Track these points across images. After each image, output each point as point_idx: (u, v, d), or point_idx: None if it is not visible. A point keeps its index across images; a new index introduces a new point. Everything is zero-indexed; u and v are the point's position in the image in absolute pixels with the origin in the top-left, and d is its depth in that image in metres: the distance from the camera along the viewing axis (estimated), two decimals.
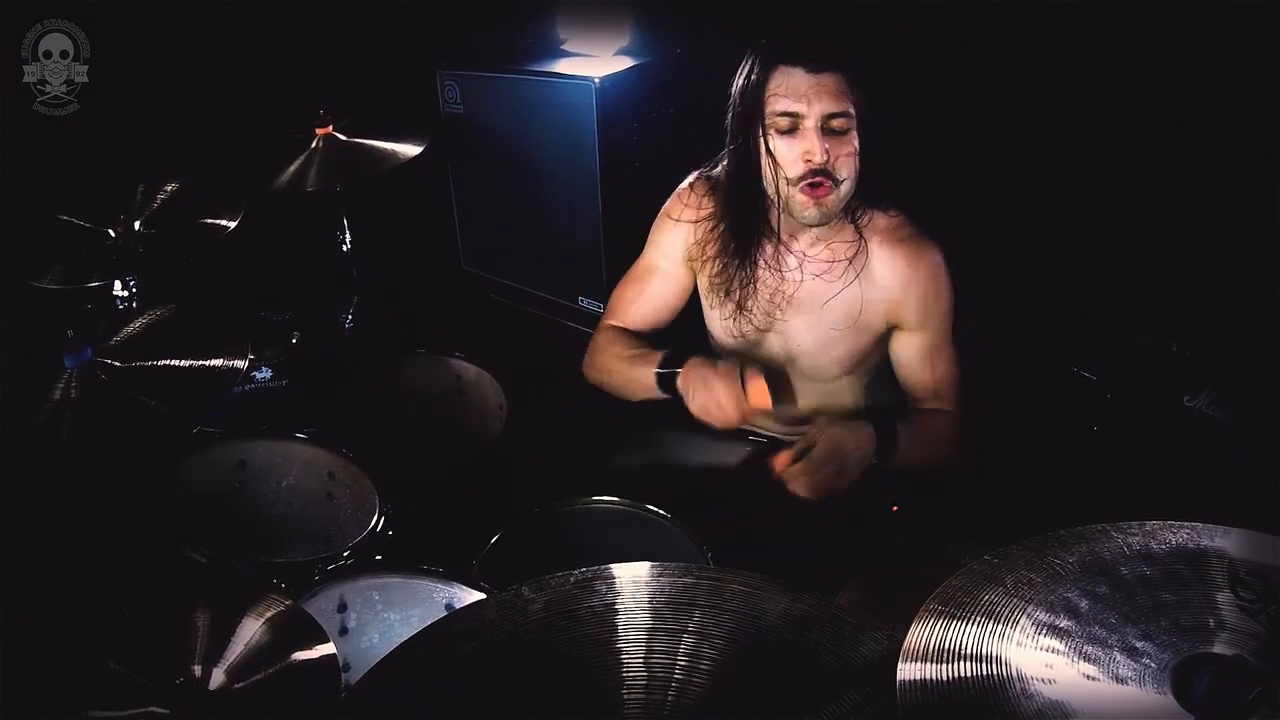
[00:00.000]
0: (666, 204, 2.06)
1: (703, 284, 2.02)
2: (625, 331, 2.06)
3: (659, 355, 1.90)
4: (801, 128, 1.70)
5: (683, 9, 2.80)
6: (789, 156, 1.72)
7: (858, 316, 1.88)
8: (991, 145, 2.42)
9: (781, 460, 1.77)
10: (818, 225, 1.80)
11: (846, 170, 1.71)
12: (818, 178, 1.71)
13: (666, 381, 1.86)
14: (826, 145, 1.68)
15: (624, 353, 1.98)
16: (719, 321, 2.01)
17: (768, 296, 1.93)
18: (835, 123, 1.68)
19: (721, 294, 1.96)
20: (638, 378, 1.92)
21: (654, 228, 2.08)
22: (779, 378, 1.83)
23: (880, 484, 1.98)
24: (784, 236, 1.89)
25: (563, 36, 2.98)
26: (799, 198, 1.74)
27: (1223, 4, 2.03)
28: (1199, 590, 0.97)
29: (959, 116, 2.41)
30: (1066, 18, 2.24)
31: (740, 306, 1.94)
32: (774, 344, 2.00)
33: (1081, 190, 2.39)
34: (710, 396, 1.76)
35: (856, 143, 1.69)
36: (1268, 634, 0.91)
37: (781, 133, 1.72)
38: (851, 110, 1.67)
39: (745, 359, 1.87)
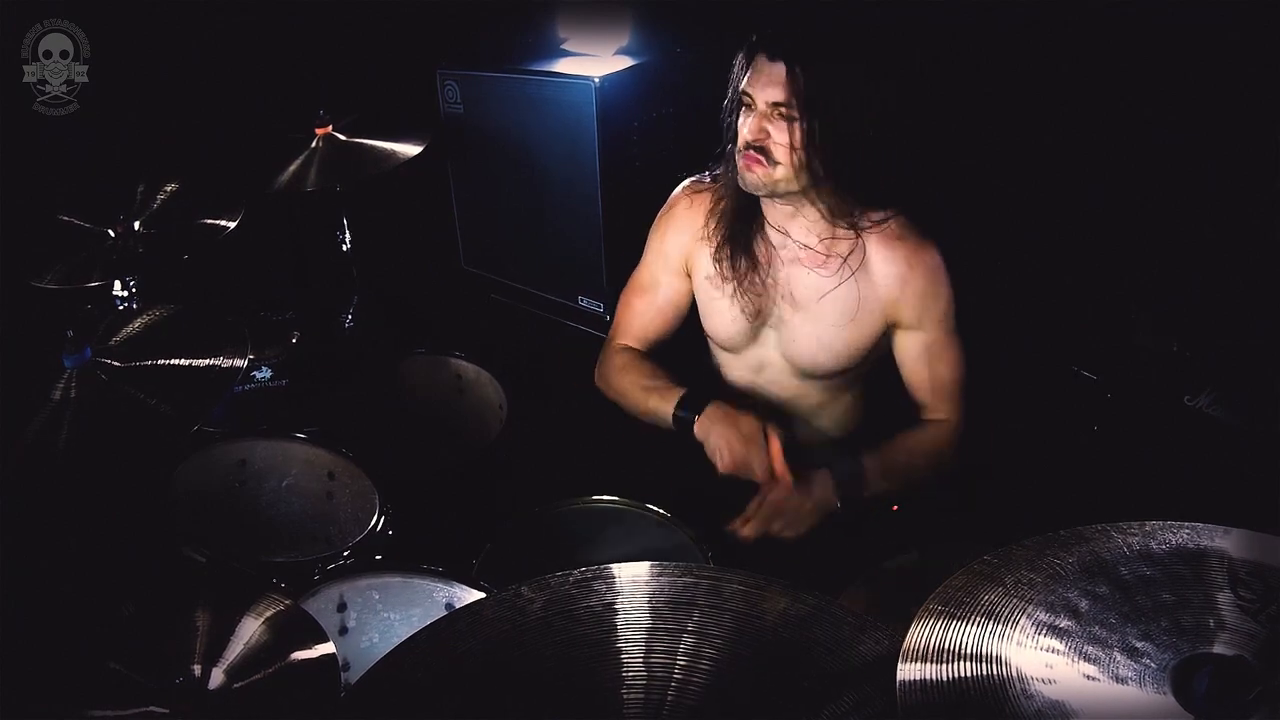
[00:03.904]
0: (664, 210, 2.09)
1: (700, 282, 2.03)
2: (639, 355, 2.08)
3: (677, 394, 1.92)
4: (754, 109, 1.79)
5: (683, 9, 2.80)
6: (742, 130, 1.82)
7: (855, 313, 1.89)
8: (992, 146, 2.42)
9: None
10: (759, 194, 1.86)
11: (781, 156, 1.78)
12: (752, 151, 1.80)
13: (683, 424, 1.89)
14: (769, 128, 1.77)
15: (642, 381, 2.00)
16: (716, 318, 2.02)
17: (763, 287, 1.95)
18: (778, 110, 1.76)
19: (719, 287, 1.98)
20: (654, 411, 1.95)
21: (653, 235, 2.09)
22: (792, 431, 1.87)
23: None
24: (776, 224, 1.94)
25: (563, 36, 2.98)
26: (740, 162, 1.83)
27: (1223, 4, 2.03)
28: (1199, 590, 0.97)
29: (959, 117, 2.41)
30: (1066, 18, 2.24)
31: (738, 296, 1.96)
32: (770, 340, 2.01)
33: (1082, 190, 2.39)
34: (742, 459, 1.80)
35: (797, 134, 1.75)
36: (1268, 634, 0.91)
37: (743, 108, 1.82)
38: (793, 101, 1.73)
39: (765, 416, 1.87)
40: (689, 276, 2.05)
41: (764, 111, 1.77)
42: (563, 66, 2.82)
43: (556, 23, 2.97)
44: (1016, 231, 2.44)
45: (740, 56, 1.82)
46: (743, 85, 1.80)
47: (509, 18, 3.01)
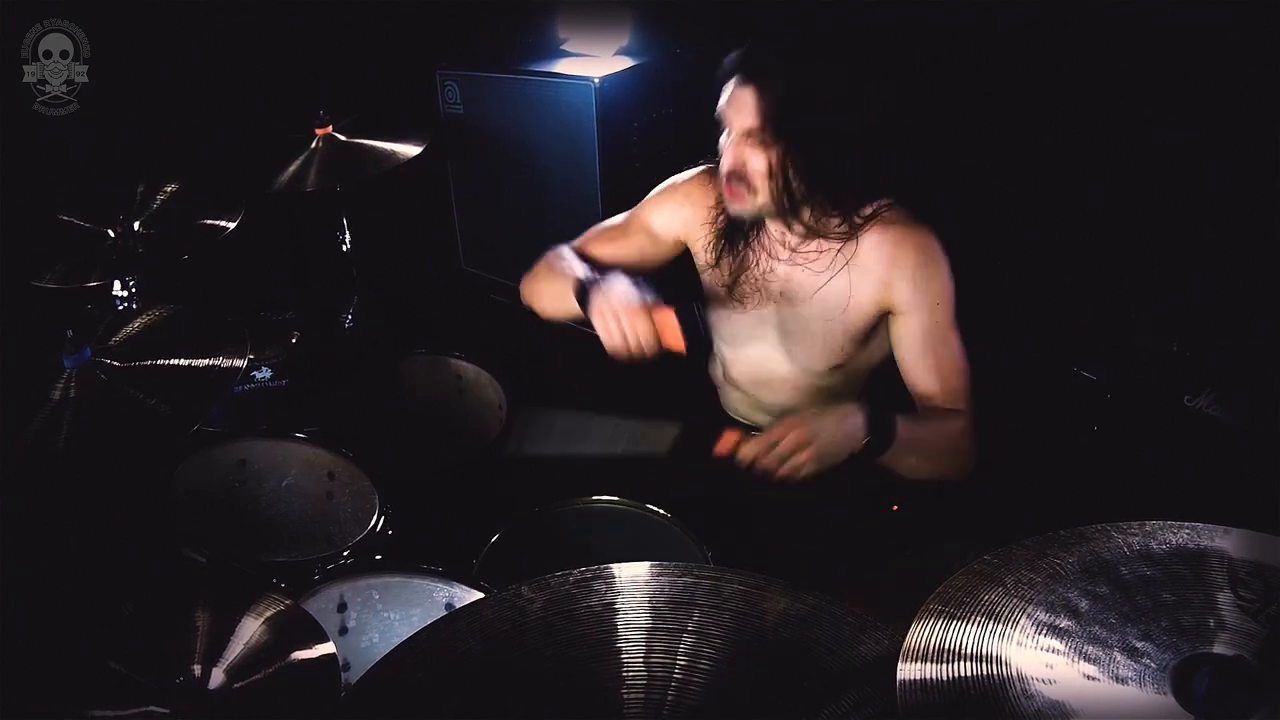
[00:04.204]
0: (678, 178, 2.06)
1: (701, 270, 2.04)
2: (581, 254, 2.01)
3: (583, 271, 1.84)
4: (731, 134, 1.77)
5: (683, 9, 2.81)
6: (723, 157, 1.80)
7: (848, 303, 1.87)
8: (991, 146, 2.42)
9: (727, 441, 1.69)
10: (746, 218, 1.85)
11: (760, 184, 1.75)
12: (732, 180, 1.78)
13: (583, 298, 1.80)
14: (746, 155, 1.74)
15: (559, 265, 1.92)
16: (716, 310, 2.02)
17: (759, 284, 1.95)
18: (750, 138, 1.73)
19: (717, 280, 1.98)
20: (558, 289, 1.86)
21: (657, 192, 2.07)
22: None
23: (881, 483, 1.98)
24: (772, 225, 1.91)
25: (563, 36, 2.98)
26: (724, 190, 1.82)
27: (1223, 4, 2.03)
28: (1199, 590, 0.97)
29: (959, 117, 2.41)
30: (1066, 18, 2.24)
31: (733, 290, 1.96)
32: (769, 335, 2.00)
33: (1082, 190, 2.39)
34: (621, 329, 1.70)
35: (774, 161, 1.72)
36: (1268, 634, 0.91)
37: (725, 133, 1.79)
38: (766, 127, 1.69)
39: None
40: (674, 248, 2.04)
41: (739, 138, 1.74)
42: (563, 66, 2.82)
43: (556, 23, 2.98)
44: (1016, 231, 2.44)
45: (720, 76, 1.77)
46: (720, 108, 1.76)
47: (509, 18, 3.02)
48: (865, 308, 1.88)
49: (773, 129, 1.69)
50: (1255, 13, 1.98)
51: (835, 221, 1.85)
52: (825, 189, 1.76)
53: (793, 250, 1.91)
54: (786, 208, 1.78)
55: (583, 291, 1.80)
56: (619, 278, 1.79)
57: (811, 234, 1.86)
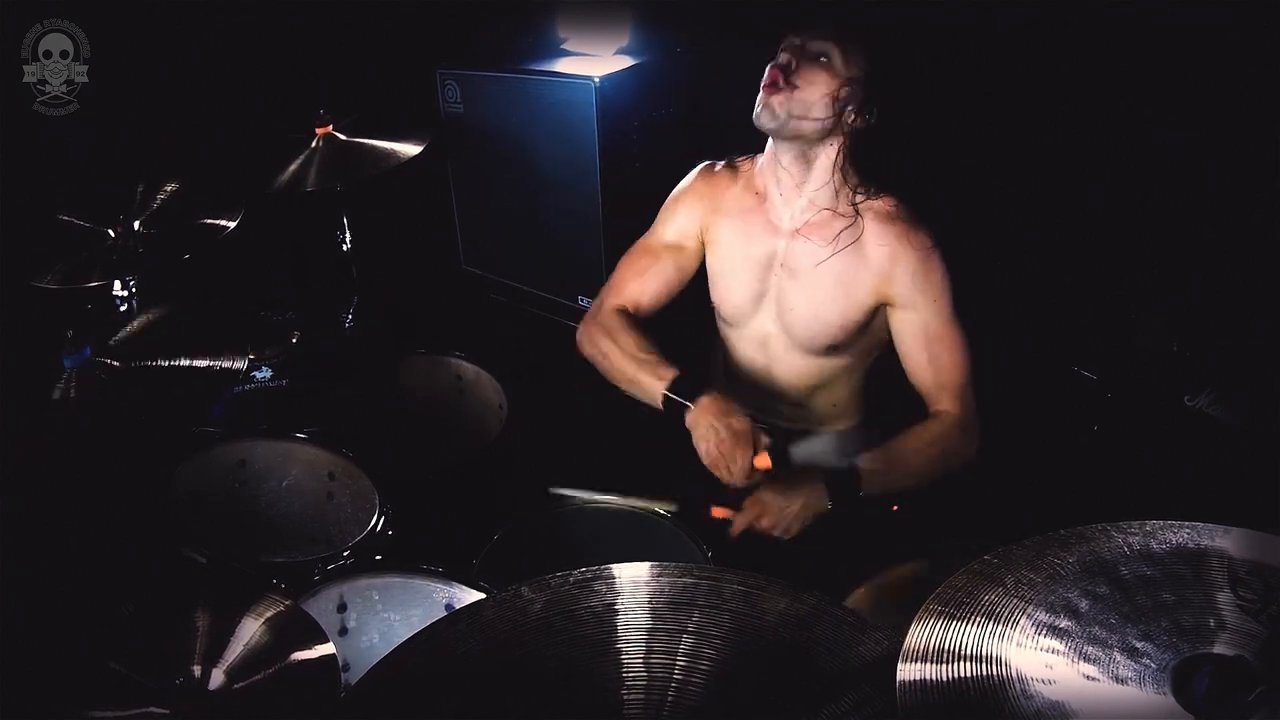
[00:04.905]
0: (680, 185, 2.13)
1: (713, 252, 2.08)
2: (633, 320, 2.05)
3: (671, 374, 1.89)
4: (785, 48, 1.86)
5: (683, 9, 2.80)
6: (779, 56, 1.87)
7: (847, 284, 1.93)
8: (992, 145, 2.42)
9: (719, 513, 1.85)
10: (771, 132, 1.89)
11: (808, 88, 1.82)
12: (774, 72, 1.83)
13: (674, 407, 1.87)
14: (799, 64, 1.83)
15: (632, 349, 1.97)
16: (723, 285, 2.07)
17: (765, 256, 1.99)
18: (814, 47, 1.83)
19: (729, 253, 2.04)
20: (643, 386, 1.93)
21: (666, 206, 2.14)
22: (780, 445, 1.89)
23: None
24: (784, 191, 1.97)
25: (563, 36, 2.98)
26: (759, 99, 1.85)
27: (1223, 4, 2.03)
28: (1199, 590, 0.97)
29: (961, 114, 2.40)
30: (1066, 18, 2.24)
31: (745, 261, 2.02)
32: (769, 311, 2.03)
33: (1082, 190, 2.39)
34: (726, 457, 1.79)
35: (829, 85, 1.82)
36: (1268, 634, 0.91)
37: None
38: (831, 47, 1.82)
39: (757, 417, 1.86)
40: (700, 246, 2.10)
41: (797, 49, 1.83)
42: (563, 66, 2.82)
43: (556, 23, 2.98)
44: (1016, 231, 2.44)
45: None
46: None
47: (509, 18, 3.01)
48: (863, 296, 1.93)
49: (848, 67, 1.81)
50: (1255, 13, 1.98)
51: (848, 205, 1.91)
52: (882, 156, 1.86)
53: (801, 216, 1.95)
54: (863, 178, 1.87)
55: (677, 400, 1.86)
56: (713, 402, 1.83)
57: (825, 196, 1.92)
